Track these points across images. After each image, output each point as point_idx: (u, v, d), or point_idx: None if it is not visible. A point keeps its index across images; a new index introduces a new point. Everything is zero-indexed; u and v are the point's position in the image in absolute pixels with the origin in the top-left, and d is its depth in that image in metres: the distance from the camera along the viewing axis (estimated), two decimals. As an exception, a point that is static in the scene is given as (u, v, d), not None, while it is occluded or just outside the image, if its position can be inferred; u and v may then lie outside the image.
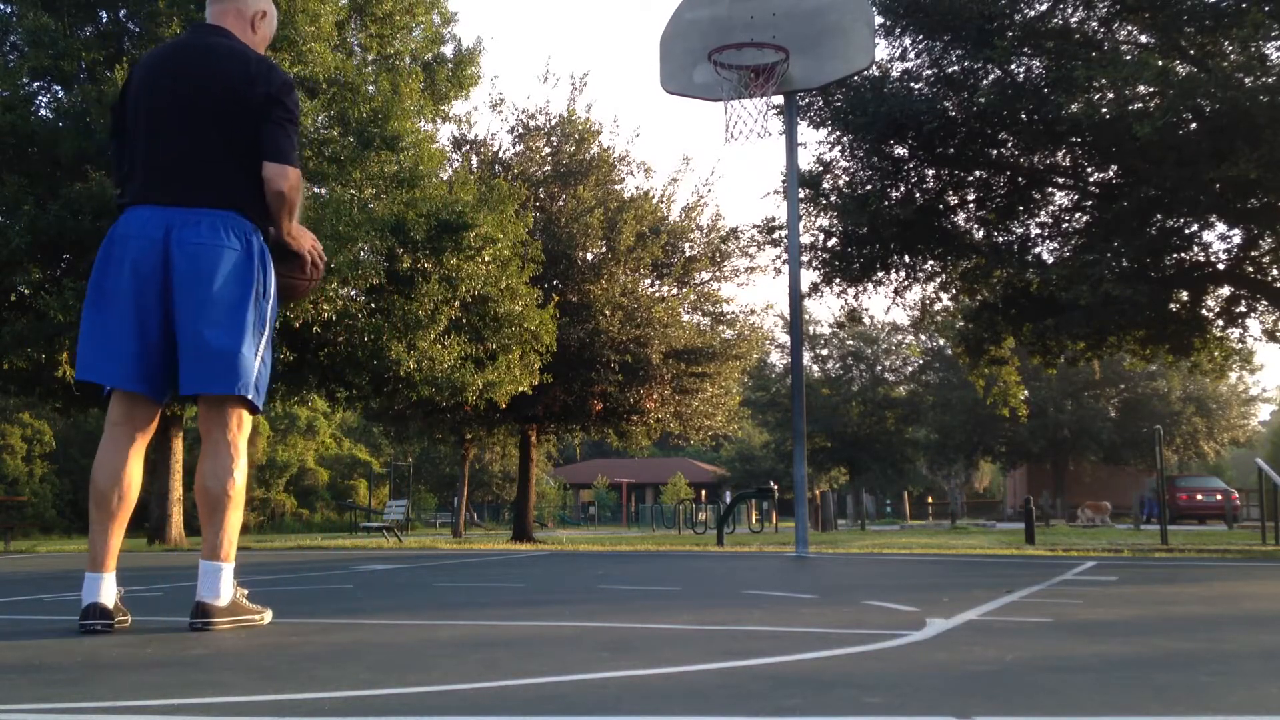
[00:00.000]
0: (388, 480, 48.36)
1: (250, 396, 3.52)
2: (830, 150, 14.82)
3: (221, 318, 3.42)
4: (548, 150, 22.90)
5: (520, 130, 22.88)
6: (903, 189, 14.48)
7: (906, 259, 15.28)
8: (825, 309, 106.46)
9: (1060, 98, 12.61)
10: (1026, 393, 24.10)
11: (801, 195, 13.87)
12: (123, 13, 15.45)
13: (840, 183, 14.85)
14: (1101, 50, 12.93)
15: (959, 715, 1.99)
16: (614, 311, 21.42)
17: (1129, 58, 12.42)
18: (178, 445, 16.69)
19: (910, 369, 51.72)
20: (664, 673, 2.52)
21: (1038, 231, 15.17)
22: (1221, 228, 13.76)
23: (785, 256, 14.33)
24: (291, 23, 14.11)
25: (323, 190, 14.62)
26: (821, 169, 14.87)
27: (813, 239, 15.19)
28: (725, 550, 11.83)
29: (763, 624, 3.65)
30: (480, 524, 44.44)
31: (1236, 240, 14.01)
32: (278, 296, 3.69)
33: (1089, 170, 14.82)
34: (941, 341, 40.64)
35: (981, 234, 15.28)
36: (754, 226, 21.88)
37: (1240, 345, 15.20)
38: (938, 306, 16.74)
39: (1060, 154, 14.59)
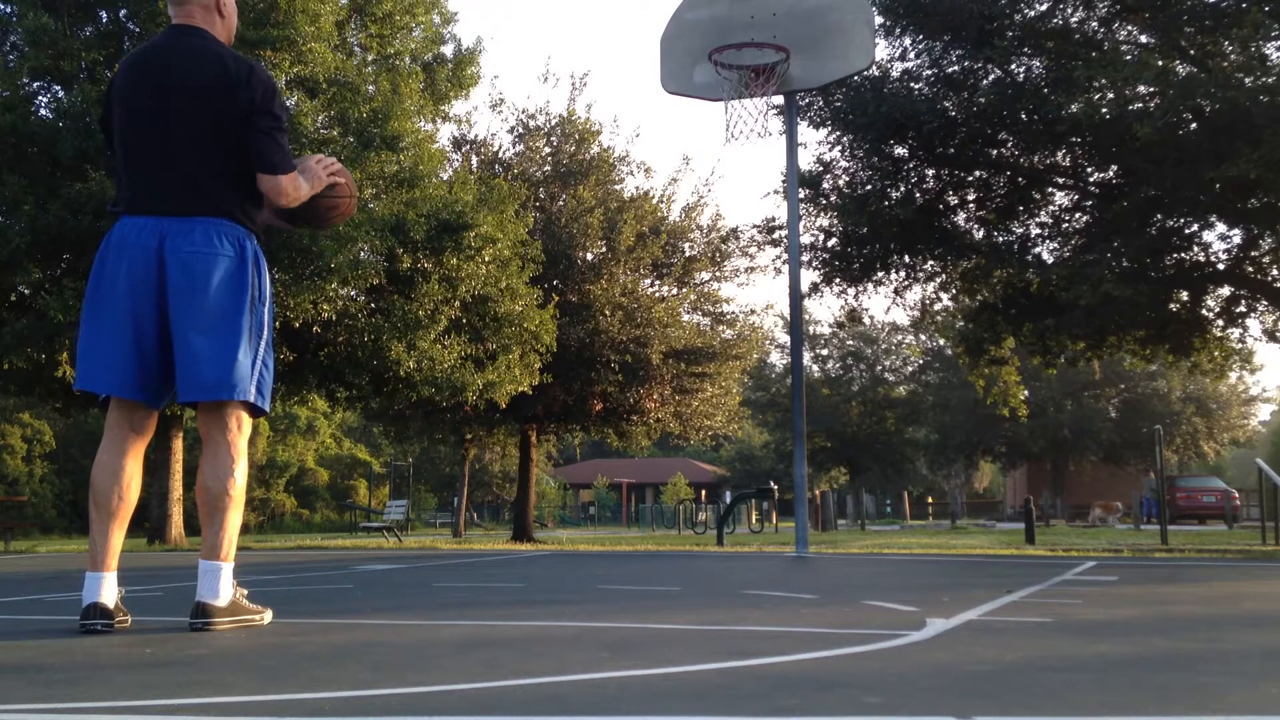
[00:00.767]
0: (388, 480, 48.34)
1: (251, 400, 3.55)
2: (830, 150, 14.84)
3: (217, 325, 3.45)
4: (548, 150, 22.89)
5: (520, 130, 22.88)
6: (903, 189, 14.48)
7: (906, 259, 15.28)
8: (825, 309, 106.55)
9: (1060, 98, 12.61)
10: (1026, 393, 24.11)
11: (801, 195, 13.87)
12: (123, 13, 15.44)
13: (840, 183, 14.86)
14: (1101, 50, 12.93)
15: (959, 715, 1.99)
16: (614, 311, 21.41)
17: (1129, 58, 12.43)
18: (178, 445, 16.69)
19: (910, 369, 51.74)
20: (664, 673, 2.52)
21: (1038, 231, 15.17)
22: (1221, 228, 13.77)
23: (785, 256, 14.36)
24: (291, 23, 14.11)
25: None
26: (821, 169, 14.88)
27: (813, 239, 15.21)
28: (725, 550, 11.83)
29: (763, 624, 3.65)
30: (480, 524, 44.43)
31: (1236, 240, 14.01)
32: (325, 221, 3.79)
33: (1089, 170, 14.83)
34: (941, 341, 40.63)
35: (981, 234, 15.28)
36: (754, 226, 21.86)
37: (1240, 345, 15.20)
38: (938, 306, 16.74)
39: (1060, 154, 14.59)
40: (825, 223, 15.11)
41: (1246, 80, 11.16)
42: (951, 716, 1.98)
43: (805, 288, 15.20)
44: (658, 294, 23.16)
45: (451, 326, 16.06)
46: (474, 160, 22.29)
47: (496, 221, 15.85)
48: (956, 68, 14.00)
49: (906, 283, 15.59)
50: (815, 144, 64.18)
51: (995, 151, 14.60)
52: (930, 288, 15.96)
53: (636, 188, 23.78)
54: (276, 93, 3.61)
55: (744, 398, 35.01)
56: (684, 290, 23.76)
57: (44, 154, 14.06)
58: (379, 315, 15.15)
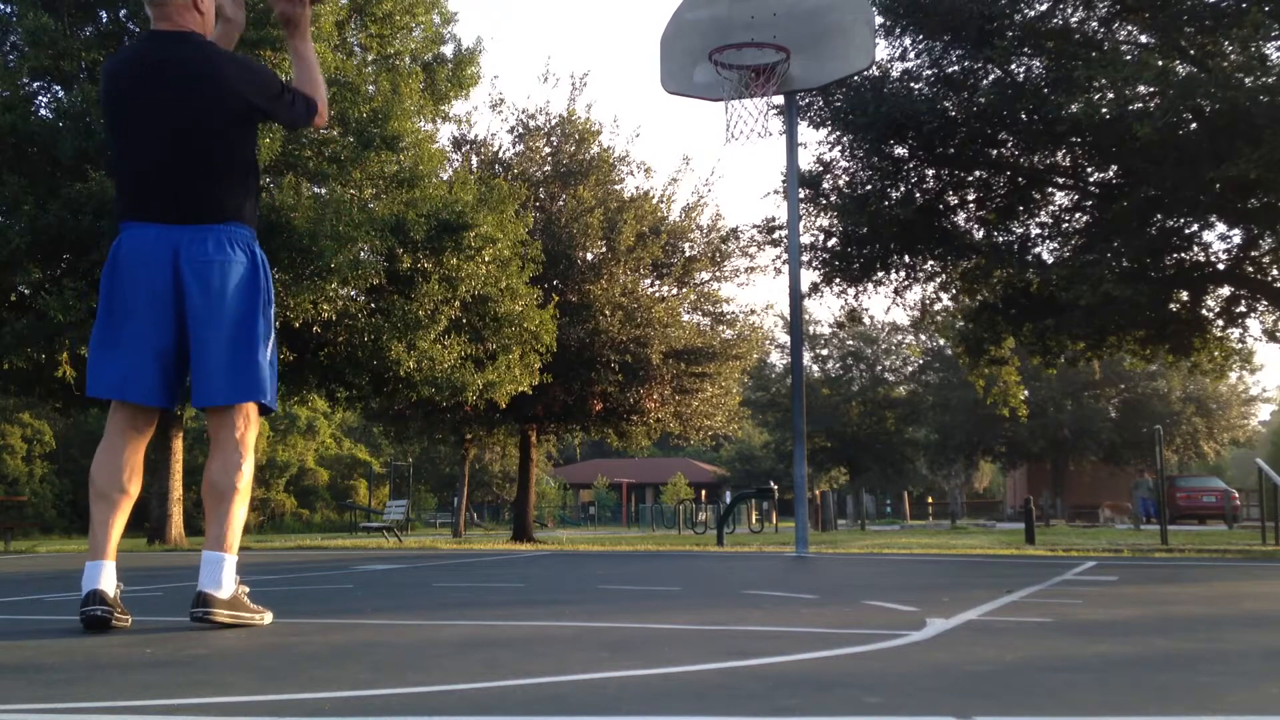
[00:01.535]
0: (388, 480, 48.33)
1: (266, 401, 3.65)
2: (830, 150, 14.84)
3: (237, 331, 3.54)
4: (548, 150, 22.89)
5: (520, 130, 22.88)
6: (903, 189, 14.48)
7: (906, 259, 15.28)
8: (825, 309, 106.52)
9: (1060, 98, 12.61)
10: (1026, 393, 24.11)
11: (801, 195, 13.87)
12: (123, 13, 15.44)
13: (840, 183, 14.86)
14: (1101, 50, 12.93)
15: (959, 715, 1.99)
16: (614, 311, 21.41)
17: (1129, 58, 12.43)
18: (178, 445, 16.69)
19: (910, 369, 51.73)
20: (664, 673, 2.52)
21: (1038, 231, 15.17)
22: (1221, 228, 13.77)
23: (785, 256, 14.35)
24: (291, 23, 14.09)
25: (323, 190, 14.62)
26: (821, 169, 14.88)
27: (813, 239, 15.21)
28: (725, 550, 11.83)
29: (763, 624, 3.65)
30: (480, 524, 44.43)
31: (1236, 240, 14.01)
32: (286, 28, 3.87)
33: (1089, 170, 14.83)
34: (941, 341, 40.62)
35: (981, 234, 15.28)
36: (754, 226, 21.86)
37: (1240, 345, 15.20)
38: (938, 306, 16.74)
39: (1060, 154, 14.59)
40: (825, 223, 15.13)
41: (1246, 80, 11.16)
42: (951, 716, 1.98)
43: (805, 288, 15.20)
44: (658, 294, 23.16)
45: (451, 326, 16.06)
46: (474, 160, 22.29)
47: (496, 221, 15.85)
48: (956, 68, 14.00)
49: (906, 283, 15.60)
50: (815, 144, 64.17)
51: (995, 151, 14.60)
52: (930, 288, 15.97)
53: (636, 188, 23.80)
54: (272, 78, 3.70)
55: (744, 398, 35.00)
56: (684, 290, 23.76)
57: (44, 154, 14.06)
58: (379, 315, 15.15)
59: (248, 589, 3.68)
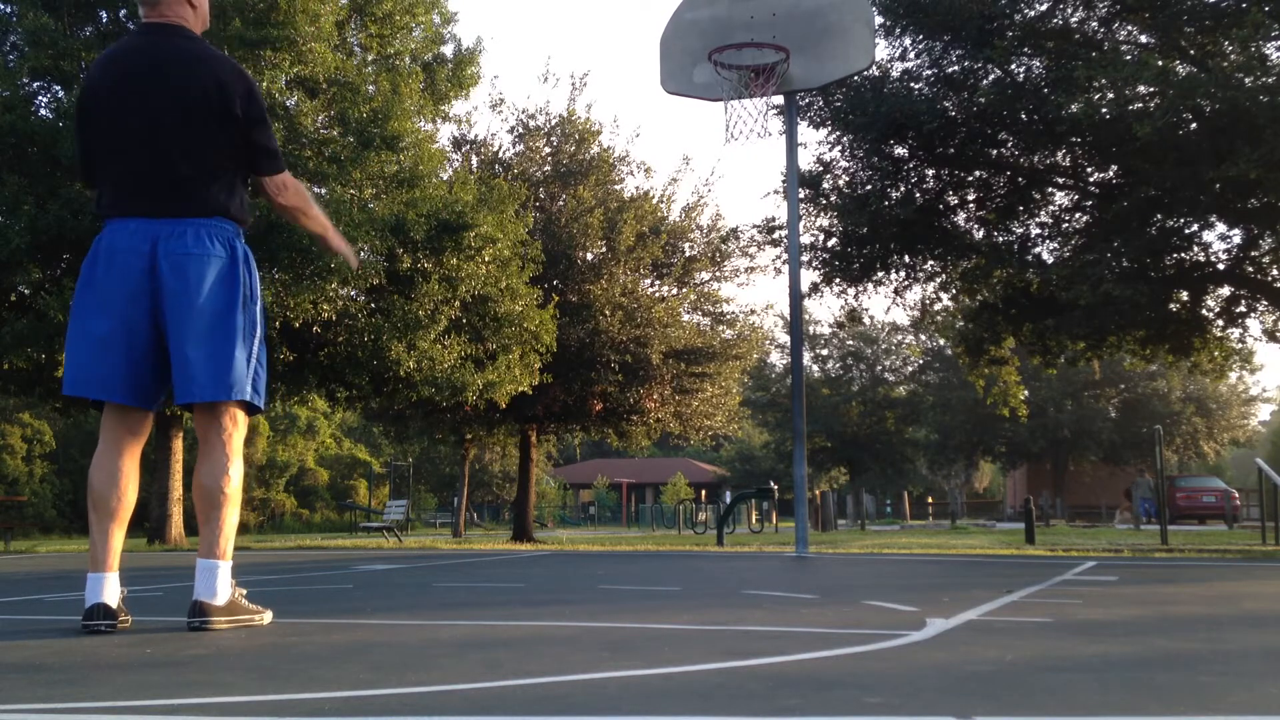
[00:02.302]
0: (388, 480, 48.33)
1: (247, 399, 3.56)
2: (830, 150, 14.84)
3: (212, 327, 3.46)
4: (548, 150, 22.89)
5: (520, 130, 22.88)
6: (903, 189, 14.48)
7: (906, 259, 15.28)
8: (825, 309, 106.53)
9: (1060, 98, 12.61)
10: (1026, 393, 24.10)
11: (801, 195, 13.87)
12: (123, 13, 15.44)
13: (840, 183, 14.86)
14: (1101, 50, 12.93)
15: (959, 715, 1.99)
16: (614, 311, 21.41)
17: (1129, 58, 12.42)
18: (177, 445, 16.70)
19: (910, 369, 51.72)
20: (664, 673, 2.52)
21: (1038, 231, 15.17)
22: (1221, 228, 13.76)
23: (785, 256, 14.35)
24: (291, 23, 14.11)
25: (323, 190, 14.62)
26: (821, 169, 14.88)
27: (813, 239, 15.20)
28: (725, 550, 11.83)
29: (763, 624, 3.65)
30: (480, 524, 44.43)
31: (1236, 240, 14.01)
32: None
33: (1089, 170, 14.83)
34: (941, 341, 40.62)
35: (981, 234, 15.28)
36: (754, 226, 21.85)
37: (1240, 345, 15.19)
38: (938, 306, 16.74)
39: (1060, 154, 14.59)
40: (825, 223, 15.12)
41: (1246, 80, 11.16)
42: (951, 716, 1.98)
43: (805, 288, 15.20)
44: (658, 294, 23.16)
45: (451, 326, 16.06)
46: (474, 160, 22.30)
47: (496, 221, 15.85)
48: (956, 68, 14.00)
49: (906, 283, 15.59)
50: (815, 144, 64.20)
51: (995, 151, 14.60)
52: (930, 288, 15.97)
53: (636, 188, 23.80)
54: (258, 89, 3.66)
55: (744, 398, 35.01)
56: (684, 290, 23.77)
57: (44, 154, 14.06)
58: (379, 315, 15.15)
59: (244, 591, 3.68)
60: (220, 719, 2.04)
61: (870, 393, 50.45)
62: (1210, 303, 14.79)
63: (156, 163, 3.50)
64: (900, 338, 50.57)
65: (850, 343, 50.84)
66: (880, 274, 15.35)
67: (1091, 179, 14.89)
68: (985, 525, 34.96)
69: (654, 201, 22.92)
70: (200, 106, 3.50)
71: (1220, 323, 14.80)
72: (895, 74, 14.41)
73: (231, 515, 3.51)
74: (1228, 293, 14.64)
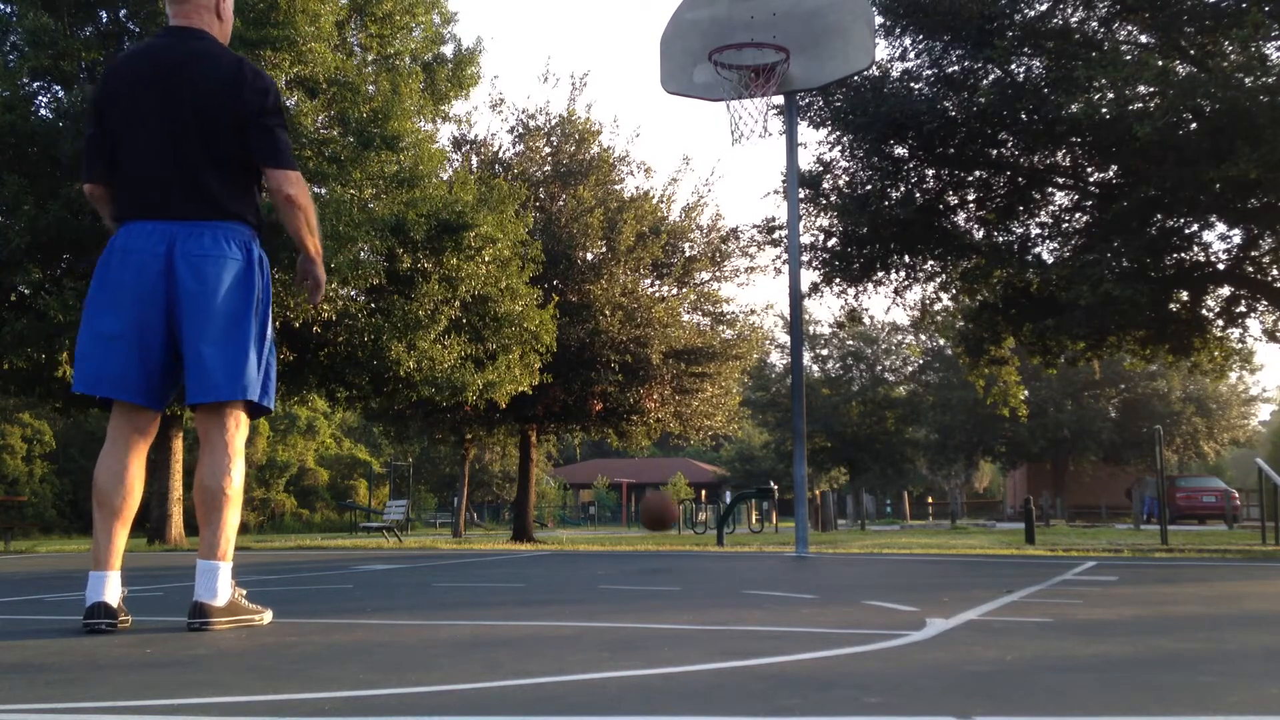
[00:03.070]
0: (388, 480, 48.32)
1: (257, 400, 3.58)
2: (830, 150, 14.84)
3: (227, 328, 3.48)
4: (548, 150, 22.90)
5: (520, 130, 22.88)
6: (903, 189, 14.47)
7: (906, 259, 15.28)
8: (825, 309, 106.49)
9: (1060, 98, 12.61)
10: (1026, 393, 24.10)
11: (801, 195, 13.87)
12: (123, 13, 15.44)
13: (840, 183, 14.85)
14: (1101, 50, 12.93)
15: (959, 715, 1.99)
16: (614, 311, 21.42)
17: (1129, 58, 12.42)
18: (178, 445, 16.70)
19: (910, 369, 51.71)
20: (664, 673, 2.52)
21: (1038, 231, 15.17)
22: (1221, 228, 13.76)
23: (785, 256, 14.35)
24: (291, 23, 14.11)
25: (323, 190, 14.62)
26: (821, 169, 14.88)
27: (813, 239, 15.20)
28: (725, 550, 11.83)
29: (763, 624, 3.65)
30: (480, 524, 44.42)
31: (1236, 240, 14.01)
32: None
33: (1089, 170, 14.82)
34: (941, 341, 40.62)
35: (981, 234, 15.28)
36: (754, 226, 21.89)
37: (1240, 345, 15.19)
38: (938, 306, 16.74)
39: (1060, 154, 14.58)
40: (825, 223, 15.12)
41: (1246, 80, 11.15)
42: (952, 716, 1.98)
43: (805, 288, 15.20)
44: (658, 294, 23.17)
45: (451, 326, 16.06)
46: (474, 160, 22.30)
47: (496, 221, 15.85)
48: (956, 68, 14.00)
49: (906, 283, 15.59)
50: (815, 144, 64.23)
51: (995, 151, 14.59)
52: (930, 288, 15.96)
53: (636, 188, 23.82)
54: (278, 91, 3.66)
55: (744, 398, 35.01)
56: (684, 290, 23.77)
57: (44, 154, 14.06)
58: (379, 315, 15.15)
59: (244, 591, 3.69)
60: (220, 719, 2.04)
61: (870, 393, 50.44)
62: (1210, 303, 14.79)
63: (176, 165, 3.51)
64: (900, 338, 50.57)
65: (850, 343, 50.83)
66: (880, 274, 15.34)
67: (1091, 179, 14.89)
68: (985, 525, 34.96)
69: (654, 201, 22.92)
70: (221, 110, 3.51)
71: (1220, 323, 14.79)
72: (895, 74, 14.42)
73: (233, 516, 3.51)
74: (1228, 293, 14.63)
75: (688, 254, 23.44)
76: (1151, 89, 12.10)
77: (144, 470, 3.60)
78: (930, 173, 14.78)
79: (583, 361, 21.09)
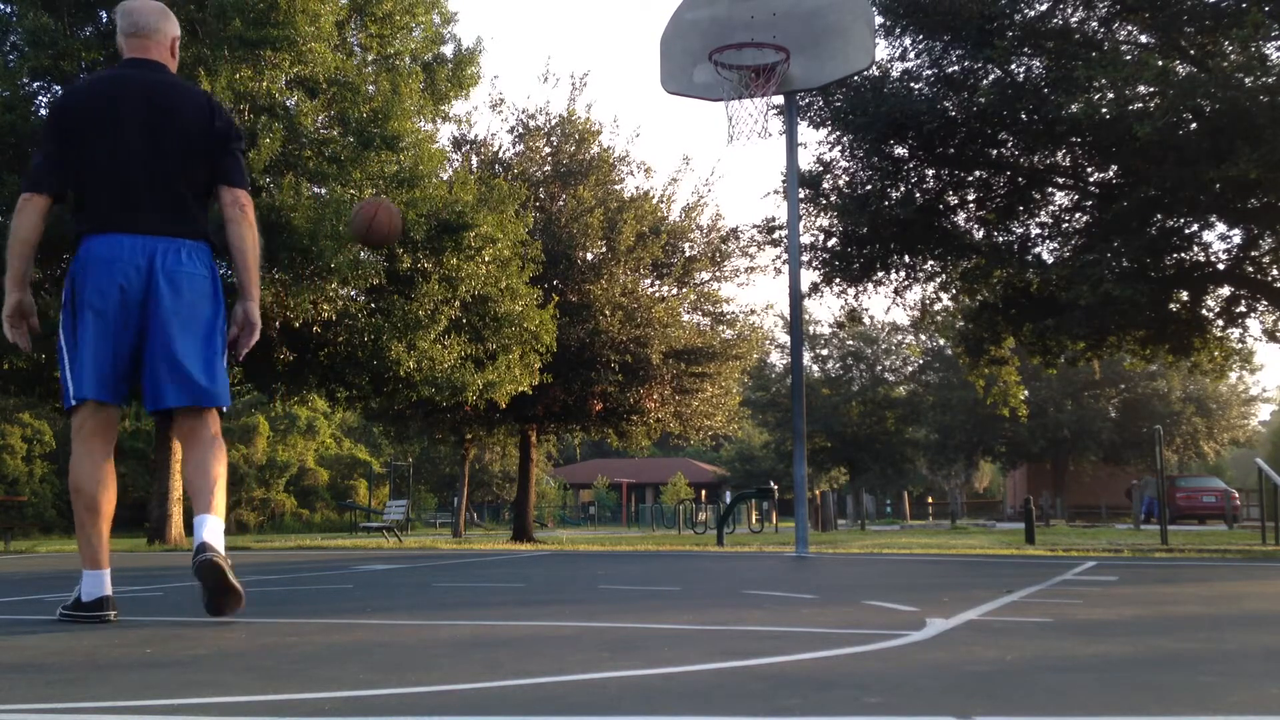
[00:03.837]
0: (388, 480, 48.33)
1: (228, 404, 3.92)
2: (830, 150, 14.84)
3: (206, 339, 3.77)
4: (548, 150, 22.90)
5: (520, 130, 22.89)
6: (903, 189, 14.47)
7: (906, 259, 15.27)
8: (825, 309, 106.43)
9: (1060, 98, 12.61)
10: (1026, 393, 24.10)
11: (801, 195, 13.87)
12: (123, 13, 15.42)
13: (840, 183, 14.85)
14: (1101, 50, 12.93)
15: (959, 715, 1.99)
16: (614, 311, 21.41)
17: (1129, 58, 12.42)
18: (178, 445, 16.68)
19: (910, 369, 51.71)
20: (664, 673, 2.52)
21: (1038, 231, 15.17)
22: (1221, 228, 13.76)
23: (785, 256, 14.34)
24: (291, 23, 14.11)
25: (323, 190, 14.62)
26: (821, 169, 14.88)
27: (813, 239, 15.20)
28: (725, 550, 11.83)
29: (763, 624, 3.65)
30: (480, 524, 44.43)
31: (1236, 240, 14.01)
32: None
33: (1089, 170, 14.82)
34: (941, 341, 40.61)
35: (981, 234, 15.28)
36: (754, 226, 21.88)
37: (1240, 345, 15.19)
38: (938, 306, 16.74)
39: (1060, 154, 14.58)
40: (825, 223, 15.12)
41: (1246, 80, 11.15)
42: (952, 716, 1.98)
43: (805, 288, 15.20)
44: (658, 294, 23.17)
45: (451, 326, 16.06)
46: (474, 160, 22.30)
47: (496, 221, 15.85)
48: (956, 68, 14.00)
49: (906, 283, 15.59)
50: (815, 144, 64.18)
51: (995, 151, 14.59)
52: (930, 288, 15.96)
53: (636, 188, 23.82)
54: (235, 126, 3.99)
55: (744, 398, 35.01)
56: (684, 290, 23.77)
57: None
58: (379, 315, 15.15)
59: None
60: (220, 719, 2.04)
61: (870, 393, 50.44)
62: (1210, 303, 14.78)
63: (156, 183, 3.75)
64: (900, 338, 50.57)
65: (850, 343, 50.83)
66: (880, 274, 15.34)
67: (1091, 179, 14.89)
68: (985, 525, 34.97)
69: (654, 201, 22.92)
70: (199, 135, 3.79)
71: (1220, 323, 14.79)
72: (895, 74, 14.42)
73: (224, 487, 3.77)
74: (1228, 293, 14.63)
75: (688, 254, 23.44)
76: (1151, 89, 12.10)
77: (113, 466, 3.85)
78: (930, 173, 14.78)
79: (583, 361, 21.09)
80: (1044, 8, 13.64)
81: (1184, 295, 14.41)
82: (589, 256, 21.83)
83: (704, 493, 49.32)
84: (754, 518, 33.45)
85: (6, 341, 3.85)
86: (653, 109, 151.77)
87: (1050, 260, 14.46)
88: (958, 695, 2.22)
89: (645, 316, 21.83)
